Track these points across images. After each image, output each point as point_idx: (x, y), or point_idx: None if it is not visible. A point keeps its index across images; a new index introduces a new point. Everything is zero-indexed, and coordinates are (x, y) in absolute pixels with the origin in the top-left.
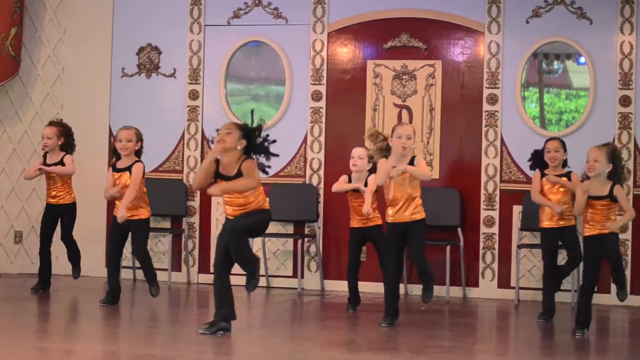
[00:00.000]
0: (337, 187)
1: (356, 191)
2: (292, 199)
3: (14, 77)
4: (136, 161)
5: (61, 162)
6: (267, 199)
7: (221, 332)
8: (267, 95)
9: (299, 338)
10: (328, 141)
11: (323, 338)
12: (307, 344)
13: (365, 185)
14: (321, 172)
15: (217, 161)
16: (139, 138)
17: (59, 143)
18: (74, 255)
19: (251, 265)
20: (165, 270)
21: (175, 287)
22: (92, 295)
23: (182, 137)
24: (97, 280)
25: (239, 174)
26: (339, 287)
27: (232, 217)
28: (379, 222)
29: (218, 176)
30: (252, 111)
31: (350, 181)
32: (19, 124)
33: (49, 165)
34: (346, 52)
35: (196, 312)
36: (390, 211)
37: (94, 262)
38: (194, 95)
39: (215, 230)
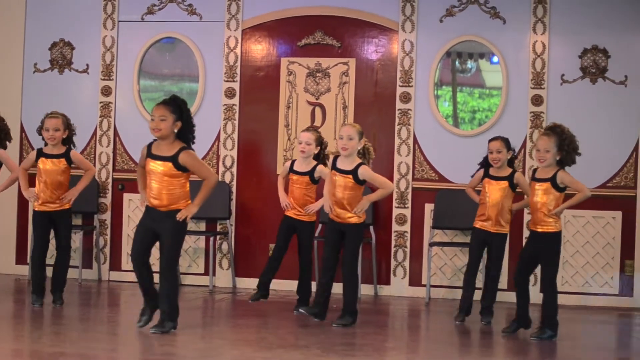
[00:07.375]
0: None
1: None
2: None
3: None
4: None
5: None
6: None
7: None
8: (180, 92)
9: (210, 336)
10: (241, 138)
11: (234, 336)
12: (218, 342)
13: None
14: (234, 170)
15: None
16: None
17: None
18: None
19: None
20: (77, 267)
21: (85, 284)
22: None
23: (95, 133)
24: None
25: None
26: (251, 284)
27: None
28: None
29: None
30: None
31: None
32: None
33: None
34: (260, 49)
35: (106, 309)
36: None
37: None
38: (106, 91)
39: (127, 227)
